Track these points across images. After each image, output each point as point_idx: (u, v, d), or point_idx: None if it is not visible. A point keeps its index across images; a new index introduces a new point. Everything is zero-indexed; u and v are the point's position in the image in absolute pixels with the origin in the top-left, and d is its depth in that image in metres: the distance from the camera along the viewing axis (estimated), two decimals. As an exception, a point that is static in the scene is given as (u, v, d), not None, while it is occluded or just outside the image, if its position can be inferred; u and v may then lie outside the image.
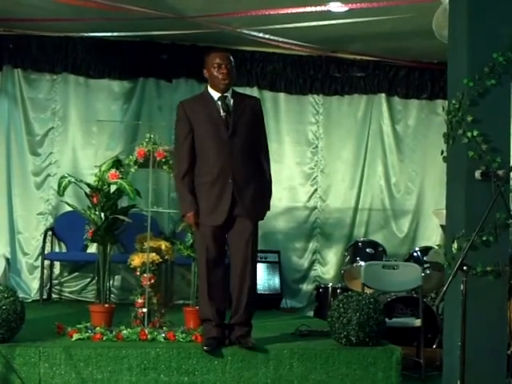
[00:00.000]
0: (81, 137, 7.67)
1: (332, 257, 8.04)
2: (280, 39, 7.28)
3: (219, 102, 4.60)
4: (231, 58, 4.66)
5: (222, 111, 4.58)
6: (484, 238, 4.33)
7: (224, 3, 6.38)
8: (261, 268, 7.35)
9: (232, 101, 4.63)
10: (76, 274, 7.59)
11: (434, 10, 5.21)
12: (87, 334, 4.64)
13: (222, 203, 4.51)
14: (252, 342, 4.57)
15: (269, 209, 4.75)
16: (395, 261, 6.61)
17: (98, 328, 4.73)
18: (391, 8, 6.24)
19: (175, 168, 4.71)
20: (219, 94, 4.62)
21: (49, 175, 7.57)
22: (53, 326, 4.88)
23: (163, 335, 4.69)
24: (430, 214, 7.76)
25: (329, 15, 6.51)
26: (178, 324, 5.00)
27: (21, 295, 6.33)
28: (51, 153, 7.60)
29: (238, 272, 4.61)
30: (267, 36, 7.14)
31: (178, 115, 4.67)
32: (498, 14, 4.50)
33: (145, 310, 4.93)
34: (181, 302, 6.71)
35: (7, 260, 7.38)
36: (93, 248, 6.85)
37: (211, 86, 4.65)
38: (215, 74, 4.58)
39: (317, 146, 8.13)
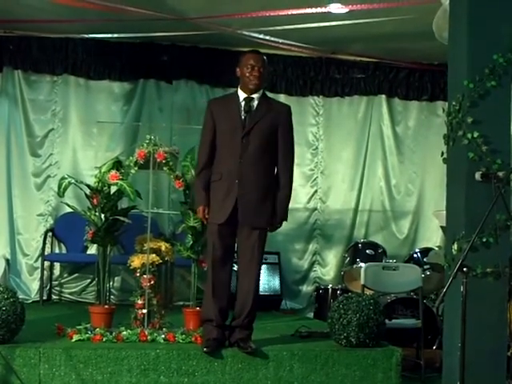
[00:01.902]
0: (81, 138, 7.66)
1: (332, 258, 8.03)
2: (280, 40, 7.27)
3: (243, 103, 4.57)
4: (266, 61, 4.63)
5: (243, 112, 4.55)
6: (484, 240, 4.32)
7: (224, 4, 6.37)
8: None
9: (257, 103, 4.59)
10: (76, 275, 7.58)
11: (435, 11, 5.20)
12: (87, 335, 4.65)
13: (226, 203, 4.50)
14: (252, 346, 4.55)
15: (284, 220, 4.73)
16: (395, 262, 6.61)
17: (97, 329, 4.74)
18: (391, 9, 6.23)
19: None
20: (246, 95, 4.58)
21: (49, 176, 7.57)
22: (53, 327, 4.88)
23: (163, 336, 4.70)
24: (430, 215, 7.75)
25: (329, 17, 6.51)
26: (178, 325, 5.00)
27: (21, 296, 6.33)
28: (51, 154, 7.60)
29: (244, 277, 4.61)
30: (267, 37, 7.13)
31: (205, 113, 4.68)
32: (498, 15, 4.49)
33: (145, 311, 4.93)
34: (181, 303, 6.69)
35: (7, 261, 7.37)
36: (93, 249, 6.85)
37: (241, 87, 4.63)
38: (247, 74, 4.55)
39: (317, 148, 8.12)
